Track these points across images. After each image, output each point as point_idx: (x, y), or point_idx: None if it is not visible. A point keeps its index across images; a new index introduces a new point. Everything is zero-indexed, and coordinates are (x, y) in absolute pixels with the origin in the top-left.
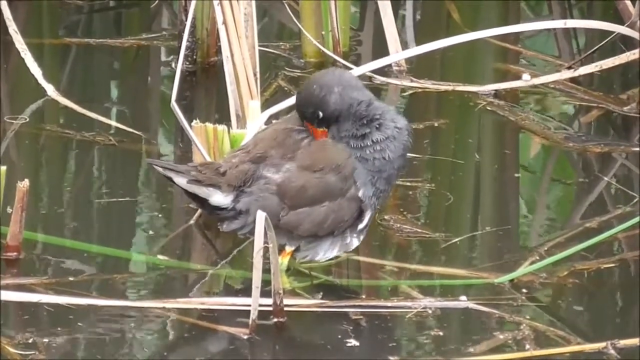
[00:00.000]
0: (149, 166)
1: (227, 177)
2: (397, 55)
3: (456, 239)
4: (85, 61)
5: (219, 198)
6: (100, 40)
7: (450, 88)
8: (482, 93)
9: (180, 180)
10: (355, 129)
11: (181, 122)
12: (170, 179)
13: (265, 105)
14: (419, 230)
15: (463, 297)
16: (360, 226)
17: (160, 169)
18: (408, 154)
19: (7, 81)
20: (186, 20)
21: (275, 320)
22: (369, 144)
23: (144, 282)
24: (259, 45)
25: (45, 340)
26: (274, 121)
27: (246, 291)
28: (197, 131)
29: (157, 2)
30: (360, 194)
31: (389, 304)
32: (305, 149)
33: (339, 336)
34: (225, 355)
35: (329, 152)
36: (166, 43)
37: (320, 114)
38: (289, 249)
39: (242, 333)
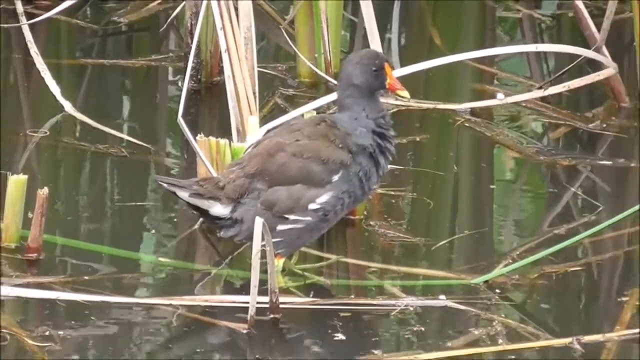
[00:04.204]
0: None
1: (225, 191)
2: None
3: (436, 244)
4: (100, 80)
5: (219, 209)
6: (113, 60)
7: (431, 106)
8: (460, 111)
9: (183, 194)
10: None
11: (187, 136)
12: (174, 194)
13: (263, 121)
14: (402, 235)
15: (442, 296)
16: (312, 206)
17: (165, 185)
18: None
19: (29, 98)
20: (192, 43)
21: (272, 316)
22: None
23: (153, 280)
24: (258, 67)
25: (61, 333)
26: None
27: (245, 290)
28: (202, 144)
29: (165, 26)
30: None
31: (374, 302)
32: (302, 142)
33: (329, 331)
34: (226, 348)
35: (324, 148)
36: (173, 64)
37: None
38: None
39: (242, 328)
